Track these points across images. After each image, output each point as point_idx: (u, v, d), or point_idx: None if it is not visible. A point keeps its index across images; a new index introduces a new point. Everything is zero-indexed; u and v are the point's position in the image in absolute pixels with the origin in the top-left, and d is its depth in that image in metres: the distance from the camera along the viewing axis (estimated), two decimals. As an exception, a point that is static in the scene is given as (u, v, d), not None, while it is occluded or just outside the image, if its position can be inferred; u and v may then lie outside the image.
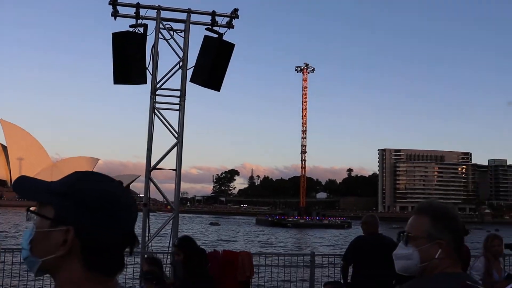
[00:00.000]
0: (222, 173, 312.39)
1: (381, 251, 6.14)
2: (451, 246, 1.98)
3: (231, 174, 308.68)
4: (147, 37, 8.28)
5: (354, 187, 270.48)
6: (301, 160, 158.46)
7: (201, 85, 8.57)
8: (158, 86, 8.64)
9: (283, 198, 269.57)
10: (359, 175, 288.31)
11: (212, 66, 8.49)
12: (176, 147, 8.54)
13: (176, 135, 8.57)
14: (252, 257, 8.65)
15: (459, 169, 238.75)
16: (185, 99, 8.67)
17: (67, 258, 1.22)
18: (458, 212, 2.10)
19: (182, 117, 8.64)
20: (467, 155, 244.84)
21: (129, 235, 1.24)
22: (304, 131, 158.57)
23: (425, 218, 2.04)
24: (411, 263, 2.00)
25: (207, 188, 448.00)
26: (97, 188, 1.24)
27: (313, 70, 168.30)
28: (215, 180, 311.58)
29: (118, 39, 8.19)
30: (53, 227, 1.22)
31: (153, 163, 8.44)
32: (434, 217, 2.02)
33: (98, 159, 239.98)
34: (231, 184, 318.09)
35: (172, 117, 8.76)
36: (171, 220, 8.18)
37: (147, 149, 8.28)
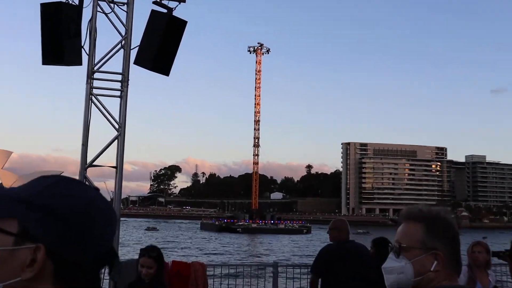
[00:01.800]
0: (161, 170, 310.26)
1: (355, 260, 6.31)
2: (447, 256, 2.00)
3: (172, 170, 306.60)
4: (83, 9, 8.14)
5: (314, 186, 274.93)
6: (254, 154, 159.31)
7: (147, 68, 8.52)
8: (96, 68, 8.52)
9: (232, 199, 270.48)
10: (319, 173, 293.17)
11: (160, 46, 8.45)
12: (117, 140, 8.47)
13: (117, 126, 8.49)
14: (206, 268, 8.73)
15: (433, 166, 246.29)
16: (128, 84, 8.61)
17: (36, 282, 1.14)
18: (453, 217, 2.09)
19: (124, 105, 8.57)
20: (441, 151, 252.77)
21: (108, 252, 1.21)
22: (257, 122, 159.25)
23: (418, 225, 2.04)
24: (404, 277, 2.00)
25: (143, 187, 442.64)
26: (70, 197, 1.19)
27: (268, 51, 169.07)
28: (152, 178, 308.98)
29: (48, 11, 8.01)
30: (18, 244, 1.14)
31: (89, 159, 8.35)
32: (427, 224, 2.03)
33: (11, 152, 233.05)
34: (171, 183, 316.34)
35: (112, 105, 8.68)
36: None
37: (83, 143, 8.17)
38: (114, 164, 8.54)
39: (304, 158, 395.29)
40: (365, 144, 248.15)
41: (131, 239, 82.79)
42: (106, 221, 1.20)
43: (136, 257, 5.21)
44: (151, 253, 5.08)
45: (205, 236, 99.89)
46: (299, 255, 61.50)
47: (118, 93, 8.67)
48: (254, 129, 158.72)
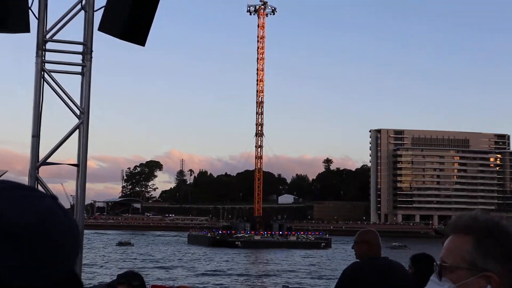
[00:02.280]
0: (136, 167, 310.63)
1: (388, 283, 6.33)
2: (504, 280, 1.92)
3: (151, 168, 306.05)
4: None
5: (335, 186, 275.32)
6: (256, 146, 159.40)
7: (115, 36, 8.49)
8: (48, 36, 8.49)
9: (229, 204, 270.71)
10: (342, 169, 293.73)
11: (132, 7, 8.40)
12: (78, 131, 8.47)
13: (79, 112, 8.49)
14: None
15: (492, 159, 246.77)
16: (91, 57, 8.59)
17: None
18: None
19: (87, 84, 8.54)
20: (503, 139, 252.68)
21: (69, 278, 1.21)
22: (260, 104, 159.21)
23: (465, 239, 1.98)
24: None
25: (114, 190, 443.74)
26: (21, 209, 1.16)
27: (273, 11, 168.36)
28: (125, 178, 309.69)
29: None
30: None
31: (42, 154, 8.34)
32: (478, 237, 1.96)
33: None
34: (150, 183, 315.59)
35: (72, 84, 8.66)
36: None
37: (33, 134, 8.16)
38: (75, 161, 8.53)
39: (321, 151, 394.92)
40: (400, 132, 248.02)
41: (98, 258, 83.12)
42: (65, 239, 1.18)
43: (105, 281, 5.24)
44: (133, 281, 5.06)
45: (194, 252, 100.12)
46: (316, 277, 61.66)
47: (78, 68, 8.64)
48: (257, 113, 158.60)
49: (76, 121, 8.51)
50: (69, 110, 8.49)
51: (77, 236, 1.20)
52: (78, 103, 8.54)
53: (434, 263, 2.06)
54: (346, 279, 6.66)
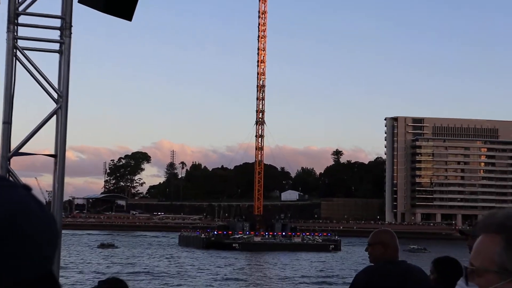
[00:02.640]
0: (120, 159, 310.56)
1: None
2: None
3: (137, 160, 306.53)
4: None
5: (346, 181, 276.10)
6: (256, 136, 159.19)
7: (98, 10, 8.46)
8: (21, 8, 8.45)
9: (225, 201, 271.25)
10: (353, 162, 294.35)
11: (117, -24, 8.40)
12: (56, 117, 8.44)
13: (56, 96, 8.46)
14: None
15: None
16: (71, 33, 8.55)
17: None
18: None
19: (66, 64, 8.50)
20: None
21: (46, 278, 1.21)
22: (261, 88, 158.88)
23: (495, 239, 1.99)
24: None
25: (95, 185, 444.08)
26: None
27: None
28: (108, 171, 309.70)
29: None
30: None
31: (14, 144, 8.32)
32: (509, 237, 1.97)
33: None
34: (136, 178, 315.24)
35: (48, 64, 8.64)
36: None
37: (4, 121, 8.14)
38: (52, 152, 8.51)
39: (330, 141, 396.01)
40: (420, 120, 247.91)
41: (77, 261, 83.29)
42: (40, 234, 1.19)
43: (87, 286, 5.27)
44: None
45: (187, 256, 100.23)
46: (324, 284, 61.77)
47: (56, 46, 8.59)
48: (257, 99, 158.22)
49: (53, 105, 8.47)
50: (45, 93, 8.45)
51: (55, 231, 1.22)
52: (56, 85, 8.50)
53: (462, 266, 2.04)
54: (358, 286, 6.65)
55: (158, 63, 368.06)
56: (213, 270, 73.64)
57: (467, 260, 1.81)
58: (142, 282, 58.77)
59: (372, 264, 6.88)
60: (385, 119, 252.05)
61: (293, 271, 74.16)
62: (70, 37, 8.53)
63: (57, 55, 8.61)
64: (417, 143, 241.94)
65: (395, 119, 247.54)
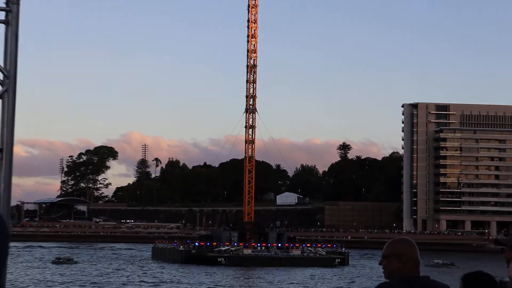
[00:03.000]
0: (81, 155, 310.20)
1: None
2: None
3: (101, 156, 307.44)
4: None
5: (355, 182, 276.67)
6: (246, 127, 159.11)
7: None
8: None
9: (209, 205, 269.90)
10: (364, 158, 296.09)
11: None
12: (1, 102, 8.40)
13: (2, 77, 8.42)
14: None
15: None
16: (19, 1, 8.51)
17: None
18: None
19: (13, 38, 8.45)
20: None
21: None
22: (251, 69, 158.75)
23: None
24: None
25: (50, 186, 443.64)
26: None
27: None
28: (66, 170, 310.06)
29: None
30: None
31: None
32: None
33: None
34: (100, 178, 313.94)
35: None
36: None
37: None
38: (-3, 145, 8.47)
39: (336, 133, 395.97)
40: (444, 107, 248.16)
41: (26, 280, 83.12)
42: None
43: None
44: None
45: (161, 272, 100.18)
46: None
47: (1, 15, 8.57)
48: (248, 81, 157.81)
49: (-2, 89, 8.45)
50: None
51: (4, 239, 1.38)
52: (1, 63, 8.48)
53: (498, 282, 1.84)
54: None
55: (127, 39, 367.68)
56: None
57: (505, 275, 1.80)
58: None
59: (387, 280, 6.85)
60: (402, 106, 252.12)
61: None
62: (18, 4, 8.49)
63: (2, 26, 8.57)
64: (441, 134, 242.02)
65: (414, 105, 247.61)
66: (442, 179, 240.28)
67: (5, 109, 8.52)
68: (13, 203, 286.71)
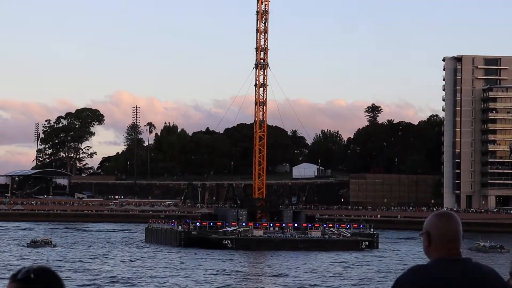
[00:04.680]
0: (60, 119, 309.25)
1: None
2: None
3: (84, 120, 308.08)
4: None
5: (385, 150, 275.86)
6: (256, 85, 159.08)
7: None
8: None
9: (212, 178, 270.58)
10: (396, 122, 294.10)
11: None
12: None
13: None
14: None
15: None
16: None
17: None
18: None
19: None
20: None
21: None
22: (263, 15, 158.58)
23: None
24: None
25: (24, 156, 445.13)
26: None
27: None
28: (42, 136, 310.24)
29: None
30: None
31: None
32: None
33: None
34: (83, 146, 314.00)
35: None
36: None
37: None
38: None
39: (363, 93, 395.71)
40: (494, 60, 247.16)
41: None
42: None
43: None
44: (35, 283, 4.93)
45: (157, 257, 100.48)
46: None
47: None
48: (258, 31, 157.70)
49: None
50: None
51: None
52: None
53: None
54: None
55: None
56: (193, 279, 73.86)
57: None
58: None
59: (423, 263, 6.71)
60: (443, 60, 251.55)
61: (307, 277, 74.41)
62: None
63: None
64: (491, 93, 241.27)
65: (458, 59, 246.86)
66: (491, 147, 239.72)
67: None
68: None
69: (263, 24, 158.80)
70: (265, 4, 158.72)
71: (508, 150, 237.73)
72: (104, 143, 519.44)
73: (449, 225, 6.50)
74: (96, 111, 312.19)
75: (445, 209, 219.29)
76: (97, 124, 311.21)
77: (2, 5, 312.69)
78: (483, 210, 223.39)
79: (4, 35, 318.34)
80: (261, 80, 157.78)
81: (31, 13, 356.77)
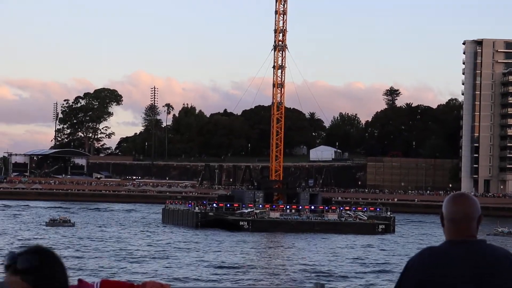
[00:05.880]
0: (78, 99, 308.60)
1: (485, 281, 6.18)
2: None
3: (103, 100, 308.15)
4: None
5: (404, 134, 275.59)
6: (275, 67, 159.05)
7: None
8: None
9: (229, 160, 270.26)
10: (415, 106, 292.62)
11: None
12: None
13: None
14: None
15: None
16: None
17: None
18: None
19: None
20: None
21: None
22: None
23: None
24: None
25: (43, 136, 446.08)
26: None
27: None
28: (61, 116, 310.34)
29: None
30: None
31: None
32: None
33: None
34: (101, 127, 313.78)
35: None
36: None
37: None
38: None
39: (382, 76, 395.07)
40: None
41: (16, 242, 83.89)
42: None
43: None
44: (19, 263, 4.98)
45: (173, 238, 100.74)
46: (369, 280, 62.12)
47: None
48: (276, 12, 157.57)
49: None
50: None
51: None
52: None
53: None
54: (412, 273, 6.54)
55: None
56: (210, 260, 74.00)
57: None
58: (102, 271, 59.37)
59: (435, 245, 6.76)
60: (463, 43, 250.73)
61: (323, 262, 74.51)
62: None
63: None
64: (511, 77, 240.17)
65: (478, 42, 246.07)
66: (510, 132, 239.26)
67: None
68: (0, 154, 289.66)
69: (282, 6, 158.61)
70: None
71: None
72: (122, 124, 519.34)
73: (459, 206, 6.59)
74: (114, 91, 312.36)
75: (463, 192, 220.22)
76: (115, 105, 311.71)
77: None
78: (501, 195, 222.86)
79: (22, 13, 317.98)
80: (280, 62, 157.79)
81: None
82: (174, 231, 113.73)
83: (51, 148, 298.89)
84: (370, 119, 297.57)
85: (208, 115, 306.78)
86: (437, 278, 6.42)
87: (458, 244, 6.54)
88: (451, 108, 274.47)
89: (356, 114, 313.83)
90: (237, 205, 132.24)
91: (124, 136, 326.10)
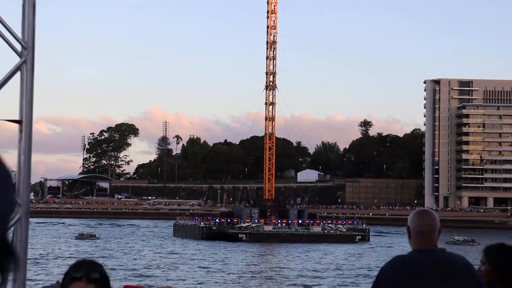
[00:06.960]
0: (102, 132, 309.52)
1: (445, 284, 6.29)
2: None
3: (123, 133, 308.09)
4: None
5: (376, 159, 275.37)
6: (267, 104, 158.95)
7: None
8: None
9: (230, 182, 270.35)
10: (385, 135, 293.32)
11: None
12: (20, 73, 8.43)
13: (20, 48, 8.44)
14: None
15: None
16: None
17: None
18: None
19: (31, 7, 8.49)
20: None
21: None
22: (271, 45, 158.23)
23: None
24: None
25: (72, 164, 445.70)
26: None
27: None
28: (88, 147, 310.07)
29: None
30: None
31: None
32: None
33: None
34: (121, 155, 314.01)
35: (10, 8, 8.63)
36: (14, 229, 8.15)
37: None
38: (17, 117, 8.50)
39: (357, 110, 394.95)
40: (468, 82, 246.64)
41: (48, 253, 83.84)
42: None
43: (56, 281, 5.21)
44: (91, 273, 5.03)
45: (182, 249, 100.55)
46: (346, 284, 62.04)
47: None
48: (267, 58, 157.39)
49: (16, 59, 8.46)
50: (7, 45, 8.44)
51: (10, 193, 1.28)
52: (19, 34, 8.48)
53: None
54: (386, 276, 6.63)
55: (148, 15, 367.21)
56: (213, 266, 73.88)
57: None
58: (128, 274, 59.28)
59: (405, 254, 6.86)
60: (424, 82, 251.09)
61: (307, 269, 74.33)
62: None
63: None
64: (464, 111, 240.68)
65: (436, 81, 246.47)
66: (464, 156, 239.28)
67: (24, 81, 8.52)
68: (37, 179, 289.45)
69: (272, 52, 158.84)
70: (273, 36, 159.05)
71: (479, 158, 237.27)
72: (139, 153, 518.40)
73: (424, 220, 6.65)
74: (132, 125, 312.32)
75: (426, 207, 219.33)
76: (133, 137, 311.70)
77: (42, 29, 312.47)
78: (457, 209, 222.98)
79: (56, 64, 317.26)
80: (271, 100, 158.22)
81: (76, 44, 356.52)
82: (183, 243, 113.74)
83: (80, 173, 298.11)
84: (347, 147, 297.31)
85: (211, 145, 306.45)
86: (409, 284, 6.55)
87: (425, 252, 6.65)
88: (415, 136, 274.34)
89: (336, 142, 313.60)
90: (236, 220, 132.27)
91: (141, 163, 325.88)
